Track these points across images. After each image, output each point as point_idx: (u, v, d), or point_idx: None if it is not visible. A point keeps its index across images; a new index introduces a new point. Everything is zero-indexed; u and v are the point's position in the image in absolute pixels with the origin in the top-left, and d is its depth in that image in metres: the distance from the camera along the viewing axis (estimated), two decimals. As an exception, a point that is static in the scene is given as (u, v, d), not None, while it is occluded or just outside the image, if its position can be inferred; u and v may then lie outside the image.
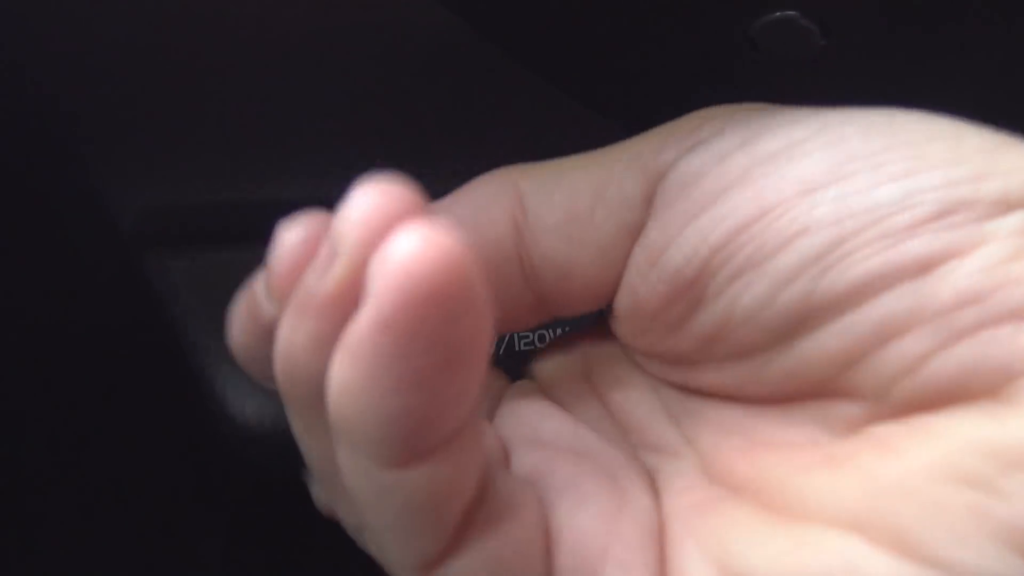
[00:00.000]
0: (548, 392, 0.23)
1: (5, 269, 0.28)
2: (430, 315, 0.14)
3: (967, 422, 0.16)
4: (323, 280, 0.16)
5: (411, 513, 0.16)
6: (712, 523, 0.19)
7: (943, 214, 0.17)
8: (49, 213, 0.29)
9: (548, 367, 0.23)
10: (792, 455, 0.19)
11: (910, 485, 0.16)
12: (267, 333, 0.18)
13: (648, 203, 0.20)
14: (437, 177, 0.33)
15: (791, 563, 0.17)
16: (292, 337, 0.16)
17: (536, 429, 0.21)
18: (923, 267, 0.16)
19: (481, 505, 0.17)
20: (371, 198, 0.15)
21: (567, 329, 0.32)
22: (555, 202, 0.20)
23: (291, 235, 0.17)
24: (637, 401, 0.22)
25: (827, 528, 0.17)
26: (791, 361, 0.18)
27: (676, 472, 0.20)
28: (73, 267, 0.30)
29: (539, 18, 0.29)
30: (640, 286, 0.20)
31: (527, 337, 0.31)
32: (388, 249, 0.14)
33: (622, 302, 0.21)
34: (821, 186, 0.17)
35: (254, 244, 0.21)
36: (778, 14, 0.27)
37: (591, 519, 0.19)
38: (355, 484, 0.16)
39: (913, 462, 0.16)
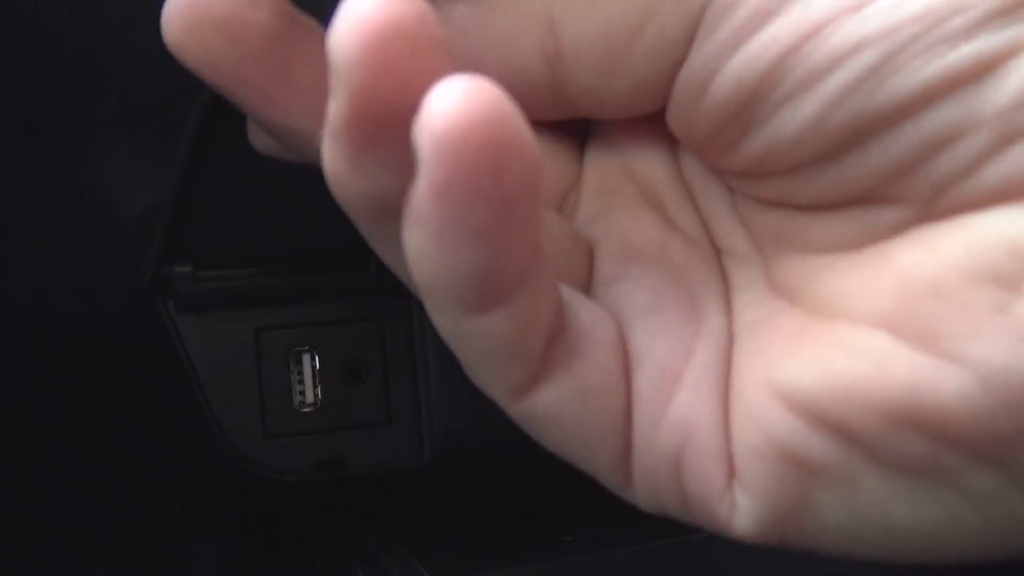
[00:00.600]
0: (640, 186, 0.23)
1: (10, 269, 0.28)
2: (483, 174, 0.14)
3: (1004, 220, 0.16)
4: (335, 113, 0.15)
5: (496, 351, 0.17)
6: (766, 339, 0.19)
7: (998, 14, 0.16)
8: (54, 212, 0.29)
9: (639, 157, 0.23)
10: (837, 258, 0.19)
11: (940, 282, 0.16)
12: None
13: (690, 38, 0.19)
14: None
15: (826, 368, 0.17)
16: (334, 165, 0.17)
17: (626, 237, 0.21)
18: (981, 70, 0.16)
19: (561, 337, 0.18)
20: (371, 10, 0.14)
21: None
22: (591, 34, 0.20)
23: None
24: (716, 202, 0.22)
25: (862, 328, 0.17)
26: (842, 172, 0.18)
27: (745, 281, 0.21)
28: (74, 266, 0.30)
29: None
30: (686, 117, 0.20)
31: None
32: (431, 111, 0.14)
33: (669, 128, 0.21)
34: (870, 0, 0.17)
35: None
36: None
37: (669, 345, 0.19)
38: (442, 328, 0.18)
39: (946, 259, 0.16)
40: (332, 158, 0.17)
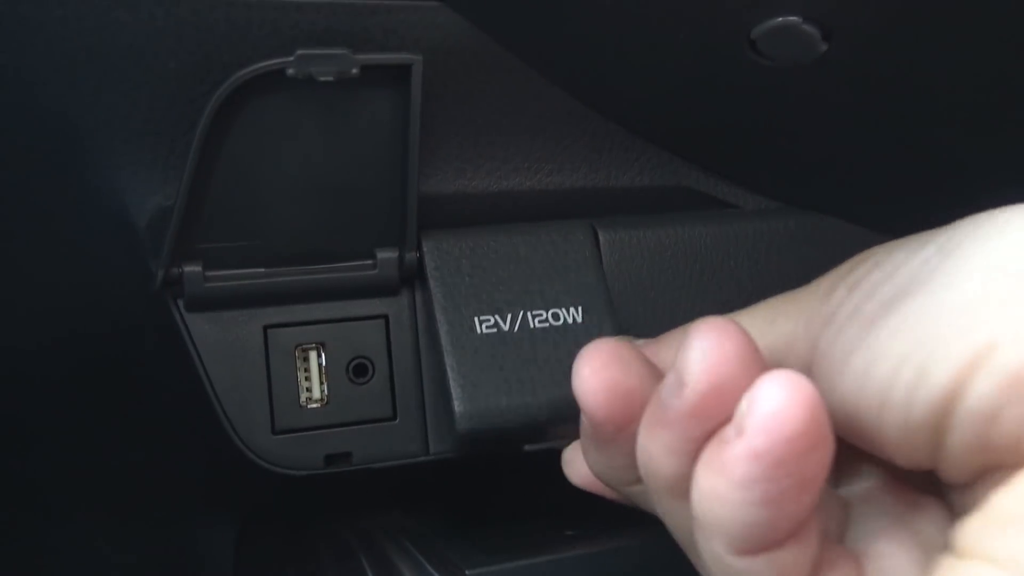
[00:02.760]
0: None
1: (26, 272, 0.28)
2: (794, 450, 0.18)
3: None
4: (675, 402, 0.20)
5: None
6: None
7: None
8: (62, 213, 0.30)
9: None
10: None
11: None
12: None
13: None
14: (442, 174, 0.33)
15: None
16: (650, 445, 0.22)
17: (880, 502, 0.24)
18: None
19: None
20: (710, 339, 0.20)
21: (580, 308, 0.32)
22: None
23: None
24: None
25: None
26: None
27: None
28: (87, 267, 0.30)
29: (546, 20, 0.29)
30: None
31: (540, 315, 0.32)
32: (760, 394, 0.19)
33: None
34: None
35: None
36: (780, 19, 0.27)
37: None
38: (709, 561, 0.21)
39: None
40: (649, 439, 0.22)
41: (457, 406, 0.31)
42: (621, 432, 0.23)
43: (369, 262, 0.32)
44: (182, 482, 0.34)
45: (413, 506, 0.38)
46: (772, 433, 0.18)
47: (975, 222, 0.21)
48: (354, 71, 0.27)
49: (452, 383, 0.31)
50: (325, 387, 0.32)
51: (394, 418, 0.32)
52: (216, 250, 0.30)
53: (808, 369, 0.22)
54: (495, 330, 0.31)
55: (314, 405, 0.31)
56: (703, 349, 0.20)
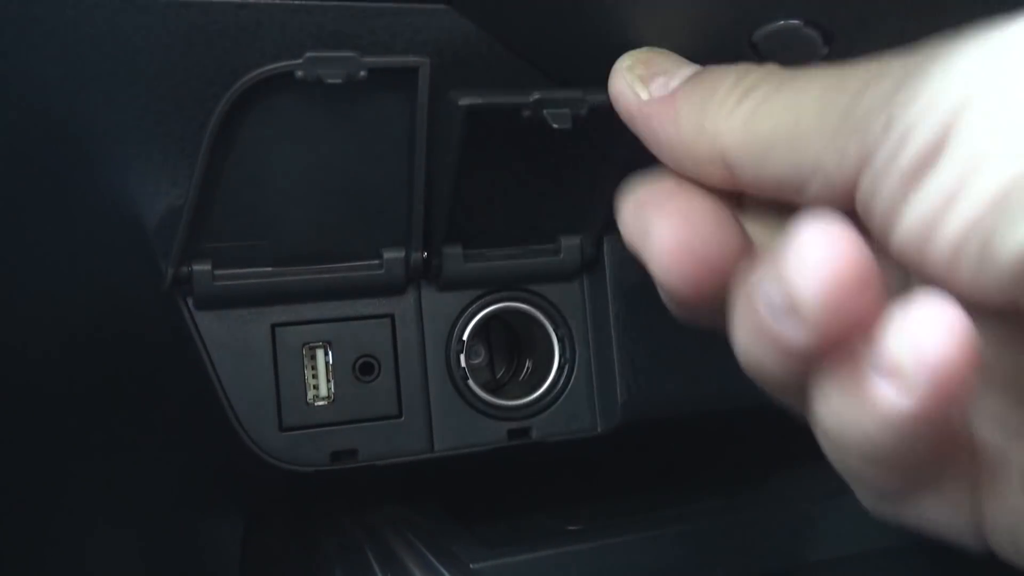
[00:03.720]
0: None
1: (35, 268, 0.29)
2: (952, 397, 0.18)
3: None
4: (786, 327, 0.19)
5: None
6: None
7: None
8: (74, 210, 0.30)
9: None
10: None
11: None
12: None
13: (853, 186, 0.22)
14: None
15: None
16: (751, 348, 0.21)
17: None
18: None
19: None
20: (825, 254, 0.18)
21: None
22: (762, 183, 0.24)
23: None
24: None
25: None
26: None
27: None
28: (98, 267, 0.31)
29: (551, 23, 0.30)
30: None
31: None
32: (921, 339, 0.18)
33: None
34: None
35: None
36: (781, 22, 0.28)
37: None
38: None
39: None
40: (760, 353, 0.21)
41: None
42: (704, 301, 0.23)
43: (376, 262, 0.32)
44: (190, 477, 0.34)
45: (418, 501, 0.38)
46: (937, 384, 0.18)
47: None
48: (362, 73, 0.27)
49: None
50: (332, 385, 0.32)
51: (399, 416, 0.33)
52: (225, 249, 0.30)
53: (840, 191, 0.22)
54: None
55: (321, 403, 0.32)
56: (818, 275, 0.18)
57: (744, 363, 0.22)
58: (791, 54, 0.29)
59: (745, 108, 0.24)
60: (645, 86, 0.26)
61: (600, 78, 0.32)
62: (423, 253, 0.32)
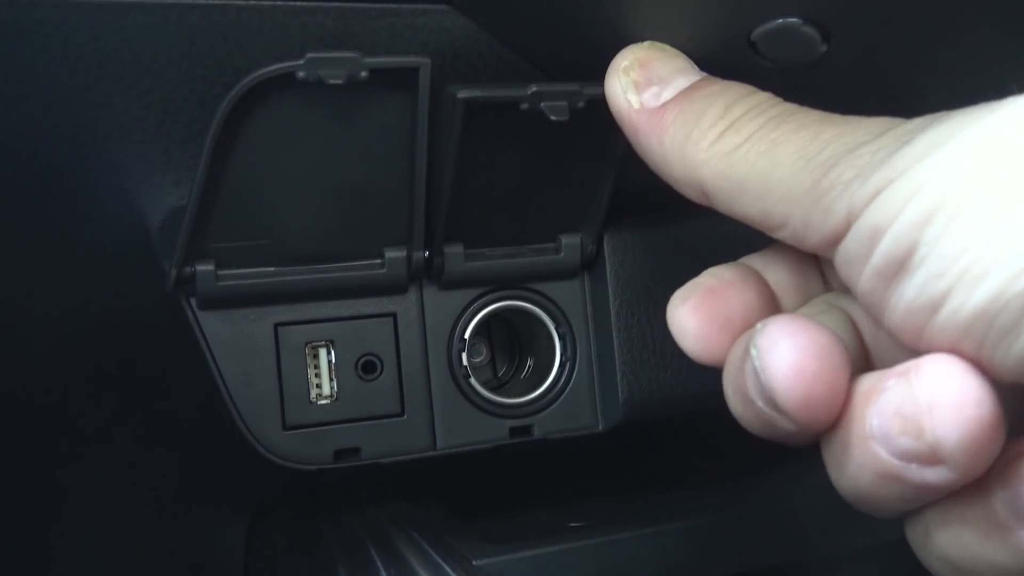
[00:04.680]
0: None
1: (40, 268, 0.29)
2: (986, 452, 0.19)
3: None
4: (772, 413, 0.21)
5: None
6: None
7: None
8: (81, 212, 0.30)
9: None
10: None
11: None
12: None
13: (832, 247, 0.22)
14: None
15: None
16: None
17: None
18: None
19: None
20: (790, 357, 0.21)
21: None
22: (738, 213, 0.24)
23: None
24: None
25: None
26: None
27: None
28: (102, 267, 0.31)
29: (551, 23, 0.30)
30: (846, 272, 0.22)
31: None
32: (946, 422, 0.19)
33: None
34: None
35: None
36: (780, 21, 0.28)
37: None
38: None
39: None
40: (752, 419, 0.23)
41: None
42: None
43: (378, 261, 0.32)
44: (195, 476, 0.34)
45: (421, 498, 0.38)
46: (974, 451, 0.19)
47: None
48: (363, 74, 0.27)
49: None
50: (334, 384, 0.32)
51: (402, 414, 0.33)
52: (228, 250, 0.31)
53: (811, 248, 0.23)
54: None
55: (324, 401, 0.32)
56: (786, 374, 0.20)
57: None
58: (789, 52, 0.29)
59: (725, 144, 0.24)
60: (637, 94, 0.27)
61: (600, 77, 0.32)
62: (425, 252, 0.32)
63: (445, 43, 0.29)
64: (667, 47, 0.28)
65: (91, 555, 0.30)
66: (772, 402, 0.21)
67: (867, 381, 0.21)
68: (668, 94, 0.26)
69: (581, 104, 0.29)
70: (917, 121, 0.22)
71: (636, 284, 0.35)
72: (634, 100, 0.26)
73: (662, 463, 0.43)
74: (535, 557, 0.33)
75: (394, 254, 0.32)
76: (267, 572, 0.38)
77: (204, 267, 0.30)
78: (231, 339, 0.31)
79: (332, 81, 0.27)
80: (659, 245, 0.35)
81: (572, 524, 0.35)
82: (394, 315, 0.33)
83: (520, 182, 0.32)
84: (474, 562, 0.32)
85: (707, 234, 0.32)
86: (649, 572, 0.34)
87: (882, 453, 0.20)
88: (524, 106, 0.28)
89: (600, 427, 0.35)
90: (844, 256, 0.22)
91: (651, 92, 0.26)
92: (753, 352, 0.21)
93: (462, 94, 0.28)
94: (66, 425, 0.29)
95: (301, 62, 0.27)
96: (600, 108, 0.28)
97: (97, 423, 0.30)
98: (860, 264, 0.21)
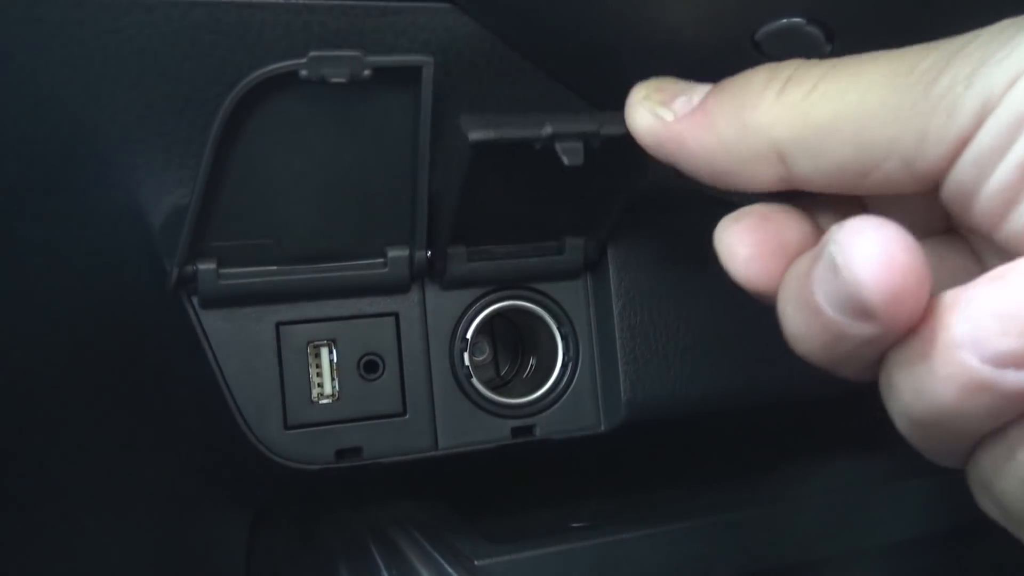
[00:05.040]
0: None
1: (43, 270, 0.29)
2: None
3: None
4: (854, 326, 0.20)
5: None
6: None
7: None
8: (84, 214, 0.30)
9: None
10: None
11: None
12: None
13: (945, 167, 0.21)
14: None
15: None
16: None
17: None
18: None
19: None
20: (882, 262, 0.19)
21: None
22: (823, 171, 0.23)
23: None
24: None
25: None
26: None
27: None
28: (103, 266, 0.31)
29: (554, 22, 0.30)
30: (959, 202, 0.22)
31: None
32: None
33: None
34: None
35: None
36: (784, 20, 0.28)
37: None
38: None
39: None
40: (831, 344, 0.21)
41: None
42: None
43: (380, 260, 0.32)
44: (196, 475, 0.34)
45: (422, 498, 0.38)
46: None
47: None
48: (366, 73, 0.27)
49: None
50: (336, 383, 0.32)
51: (404, 414, 0.33)
52: (230, 248, 0.30)
53: (920, 173, 0.21)
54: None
55: (325, 401, 0.32)
56: (875, 264, 0.19)
57: (802, 352, 0.22)
58: (793, 52, 0.29)
59: (792, 96, 0.23)
60: (668, 108, 0.26)
61: (601, 76, 0.32)
62: (427, 252, 0.32)
63: (448, 42, 0.29)
64: (672, 78, 0.28)
65: (92, 556, 0.30)
66: (854, 301, 0.20)
67: (948, 295, 0.20)
68: (698, 97, 0.25)
69: (596, 145, 0.28)
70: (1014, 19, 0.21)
71: (639, 284, 0.35)
72: (667, 115, 0.26)
73: (665, 463, 0.42)
74: (537, 557, 0.33)
75: (396, 253, 0.32)
76: (269, 571, 0.37)
77: (206, 266, 0.30)
78: (233, 338, 0.31)
79: (335, 80, 0.27)
80: (662, 245, 0.35)
81: (574, 524, 0.35)
82: (396, 315, 0.33)
83: (525, 201, 0.32)
84: (476, 562, 0.32)
85: (711, 235, 0.32)
86: (651, 572, 0.34)
87: (972, 361, 0.19)
88: (537, 147, 0.28)
89: (603, 428, 0.35)
90: (968, 164, 0.20)
91: (681, 101, 0.26)
92: (832, 248, 0.20)
93: (473, 136, 0.27)
94: (67, 425, 0.29)
95: (304, 60, 0.27)
96: (616, 146, 0.28)
97: (98, 422, 0.30)
98: (990, 167, 0.20)
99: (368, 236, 0.32)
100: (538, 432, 0.34)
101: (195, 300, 0.31)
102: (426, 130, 0.29)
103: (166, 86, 0.28)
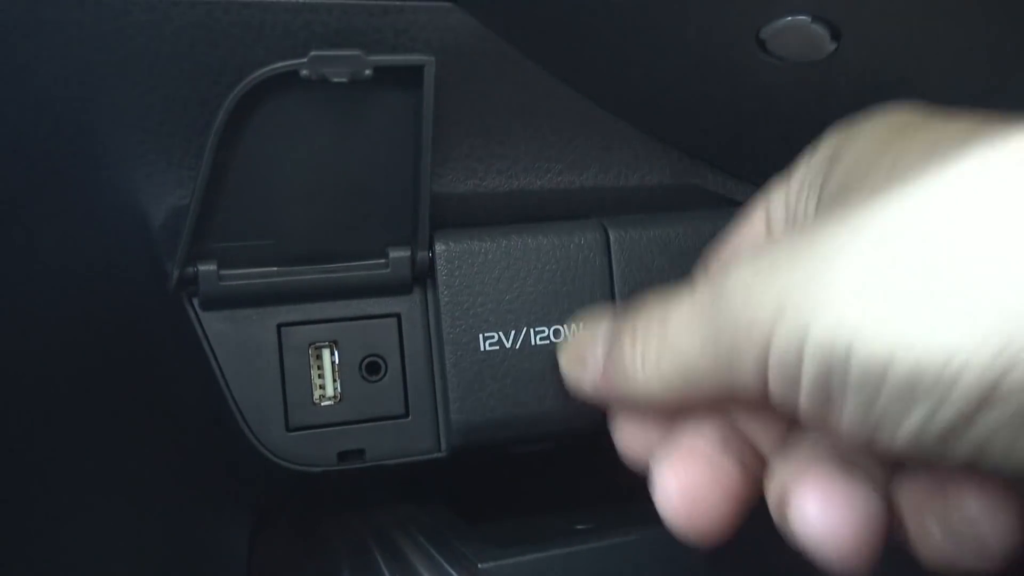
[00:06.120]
0: None
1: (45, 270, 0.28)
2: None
3: None
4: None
5: None
6: None
7: None
8: (83, 211, 0.30)
9: None
10: None
11: None
12: None
13: None
14: (453, 174, 0.34)
15: None
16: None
17: None
18: None
19: None
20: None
21: (580, 326, 0.32)
22: None
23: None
24: None
25: None
26: None
27: None
28: (103, 267, 0.31)
29: (556, 20, 0.29)
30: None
31: (543, 332, 0.32)
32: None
33: None
34: None
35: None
36: (789, 18, 0.27)
37: None
38: None
39: None
40: None
41: (455, 417, 0.32)
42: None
43: (382, 261, 0.32)
44: (197, 478, 0.34)
45: (425, 501, 0.38)
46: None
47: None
48: (367, 72, 0.27)
49: (451, 395, 0.32)
50: (338, 385, 0.32)
51: (406, 415, 0.32)
52: (230, 249, 0.30)
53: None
54: (498, 347, 0.32)
55: (327, 402, 0.32)
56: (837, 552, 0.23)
57: None
58: (798, 50, 0.29)
59: (649, 363, 0.26)
60: (585, 367, 0.29)
61: (602, 76, 0.32)
62: (429, 252, 0.32)
63: (449, 41, 0.29)
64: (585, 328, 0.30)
65: (92, 558, 0.30)
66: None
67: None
68: (601, 353, 0.28)
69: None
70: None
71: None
72: (585, 375, 0.29)
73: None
74: (541, 560, 0.32)
75: (398, 254, 0.32)
76: (270, 575, 0.37)
77: (206, 267, 0.30)
78: (234, 340, 0.31)
79: (336, 79, 0.27)
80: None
81: (579, 527, 0.35)
82: (398, 316, 0.33)
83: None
84: (479, 565, 0.32)
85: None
86: (657, 575, 0.34)
87: None
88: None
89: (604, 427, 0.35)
90: (775, 387, 0.23)
91: (590, 361, 0.29)
92: (796, 527, 0.25)
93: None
94: (66, 426, 0.29)
95: (304, 60, 0.27)
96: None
97: (97, 424, 0.30)
98: (794, 391, 0.22)
99: (370, 236, 0.32)
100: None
101: (196, 302, 0.31)
102: (428, 130, 0.29)
103: (166, 86, 0.28)
